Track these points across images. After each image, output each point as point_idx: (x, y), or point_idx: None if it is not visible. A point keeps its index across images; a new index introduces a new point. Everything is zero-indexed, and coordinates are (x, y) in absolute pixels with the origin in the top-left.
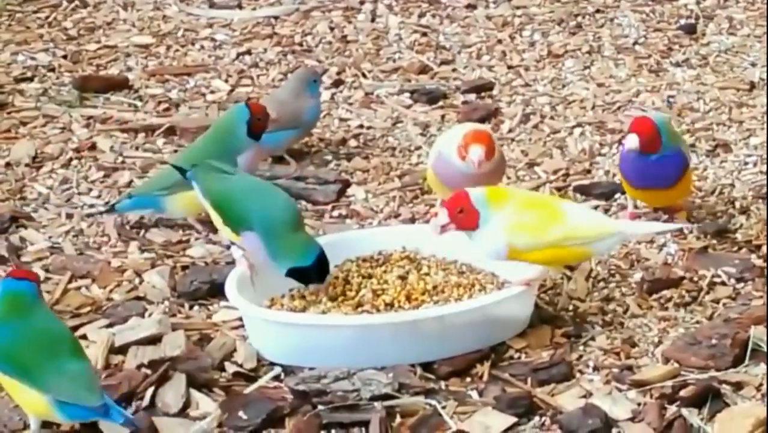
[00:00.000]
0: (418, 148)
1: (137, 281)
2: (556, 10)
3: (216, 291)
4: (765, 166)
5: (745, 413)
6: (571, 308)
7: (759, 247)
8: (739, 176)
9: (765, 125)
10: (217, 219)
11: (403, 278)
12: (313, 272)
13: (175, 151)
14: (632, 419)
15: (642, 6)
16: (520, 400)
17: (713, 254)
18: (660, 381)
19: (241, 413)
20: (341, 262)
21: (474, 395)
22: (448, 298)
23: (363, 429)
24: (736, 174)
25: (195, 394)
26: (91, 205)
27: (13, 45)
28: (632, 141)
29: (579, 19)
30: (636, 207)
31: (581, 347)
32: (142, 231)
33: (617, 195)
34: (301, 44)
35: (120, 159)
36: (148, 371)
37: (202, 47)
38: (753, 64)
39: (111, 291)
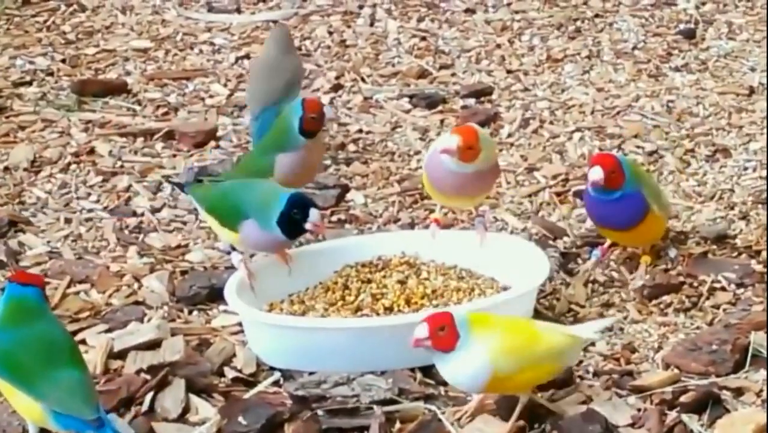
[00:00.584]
0: (418, 152)
1: (136, 285)
2: (555, 15)
3: (215, 296)
4: (765, 171)
5: (745, 419)
6: (570, 313)
7: (759, 252)
8: (739, 181)
9: (765, 130)
10: (214, 223)
11: (402, 282)
12: (291, 213)
13: (174, 155)
14: (632, 425)
15: (641, 11)
16: None
17: (713, 260)
18: (660, 387)
19: (240, 419)
20: (340, 267)
21: (474, 400)
22: (447, 302)
23: None
24: (735, 179)
25: (194, 399)
26: (90, 210)
27: (12, 49)
28: (596, 173)
29: (578, 23)
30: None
31: (581, 353)
32: (141, 236)
33: None
34: (299, 48)
35: (119, 163)
36: (148, 376)
37: (201, 51)
38: (752, 69)
39: (110, 296)
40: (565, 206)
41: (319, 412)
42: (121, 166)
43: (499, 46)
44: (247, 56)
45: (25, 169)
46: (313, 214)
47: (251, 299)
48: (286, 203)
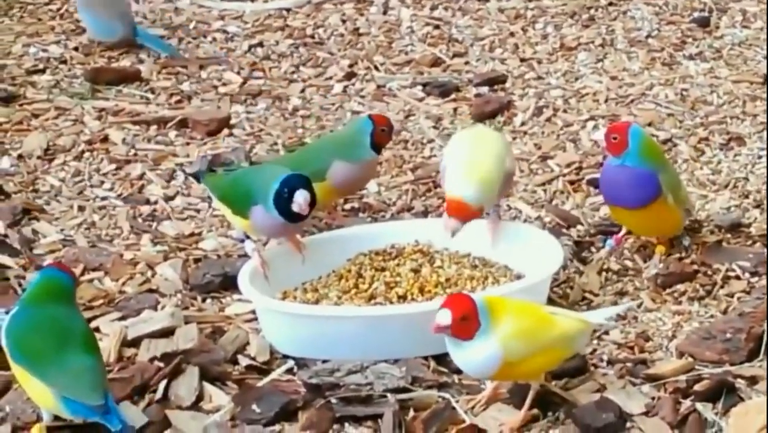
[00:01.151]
0: (431, 141)
1: (150, 273)
2: (569, 3)
3: (229, 284)
4: None
5: (759, 408)
6: (584, 301)
7: None
8: (753, 170)
9: None
10: (227, 212)
11: (416, 270)
12: (282, 193)
13: (187, 144)
14: (646, 414)
15: None
16: None
17: (727, 248)
18: (674, 375)
19: (254, 407)
20: (354, 255)
21: (487, 388)
22: (461, 290)
23: (376, 423)
24: (749, 167)
25: (208, 387)
26: (103, 198)
27: (25, 37)
28: (597, 134)
29: (592, 11)
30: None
31: (595, 341)
32: (155, 224)
33: None
34: (312, 36)
35: (132, 151)
36: (161, 364)
37: (214, 39)
38: (766, 57)
39: (123, 284)
40: (579, 195)
41: (333, 400)
42: (135, 155)
43: (512, 34)
44: (260, 44)
45: (38, 157)
46: (299, 195)
47: (265, 287)
48: (280, 184)
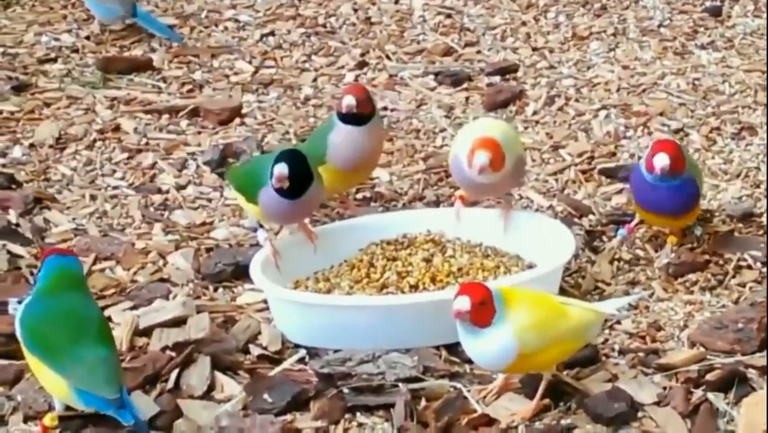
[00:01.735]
0: (443, 130)
1: (161, 262)
2: None
3: (240, 273)
4: None
5: None
6: (596, 291)
7: None
8: (765, 159)
9: None
10: (242, 200)
11: (427, 260)
12: (274, 169)
13: (199, 133)
14: (658, 403)
15: None
16: None
17: (739, 238)
18: (686, 365)
19: (265, 396)
20: (366, 245)
21: (499, 378)
22: (473, 280)
23: (388, 412)
24: (761, 157)
25: (220, 376)
26: (115, 187)
27: (37, 26)
28: (662, 159)
29: (604, 0)
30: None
31: (607, 331)
32: (166, 213)
33: None
34: (324, 26)
35: (144, 140)
36: (173, 354)
37: (226, 28)
38: None
39: (135, 273)
40: (591, 184)
41: (345, 389)
42: (146, 144)
43: (524, 23)
44: (272, 33)
45: (50, 146)
46: (276, 169)
47: (276, 277)
48: (274, 161)
